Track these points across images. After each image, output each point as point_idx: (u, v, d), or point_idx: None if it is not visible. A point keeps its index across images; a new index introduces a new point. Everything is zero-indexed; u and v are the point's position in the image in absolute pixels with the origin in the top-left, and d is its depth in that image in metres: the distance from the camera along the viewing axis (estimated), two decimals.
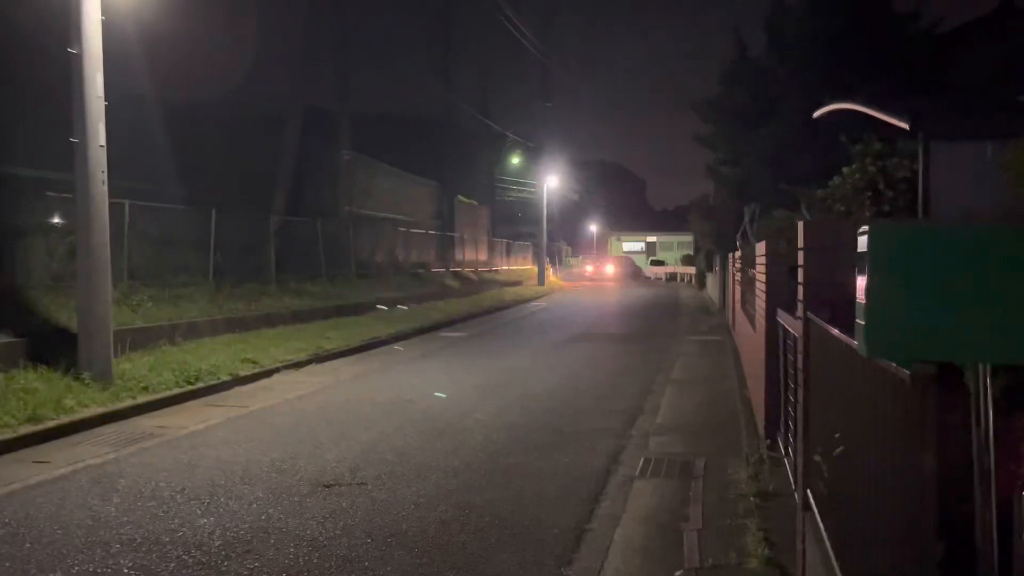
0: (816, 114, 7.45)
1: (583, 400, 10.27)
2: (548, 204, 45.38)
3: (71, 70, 9.44)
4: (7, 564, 4.84)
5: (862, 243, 2.07)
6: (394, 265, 27.08)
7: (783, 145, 16.44)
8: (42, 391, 8.72)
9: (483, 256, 41.89)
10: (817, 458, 3.40)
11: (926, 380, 1.96)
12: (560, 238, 61.35)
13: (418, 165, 35.73)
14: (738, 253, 14.38)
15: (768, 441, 7.08)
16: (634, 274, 54.18)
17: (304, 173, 24.36)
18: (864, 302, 2.08)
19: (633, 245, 64.39)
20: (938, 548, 2.02)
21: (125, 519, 5.64)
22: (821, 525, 3.50)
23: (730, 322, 17.21)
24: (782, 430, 6.48)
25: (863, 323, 2.07)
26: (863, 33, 15.50)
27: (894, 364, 2.11)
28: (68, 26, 9.41)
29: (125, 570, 4.74)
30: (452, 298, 26.54)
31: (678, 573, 4.73)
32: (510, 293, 32.92)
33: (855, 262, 2.19)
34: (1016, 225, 2.02)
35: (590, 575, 4.75)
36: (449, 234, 36.67)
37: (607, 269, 53.82)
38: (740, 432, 8.21)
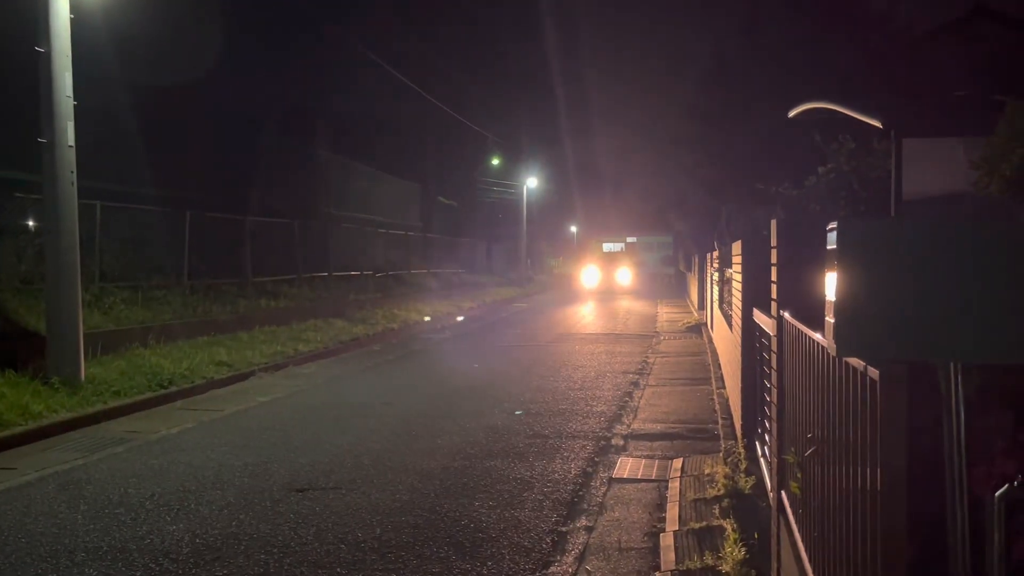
0: (791, 113, 7.44)
1: (562, 403, 10.21)
2: (528, 205, 45.34)
3: (39, 69, 9.27)
4: None
5: (831, 239, 2.03)
6: (373, 267, 26.92)
7: (759, 146, 16.50)
8: (9, 396, 8.55)
9: (463, 257, 41.74)
10: (789, 459, 3.37)
11: (896, 379, 1.92)
12: (541, 239, 61.33)
13: (398, 166, 35.57)
14: (715, 253, 14.41)
15: (745, 441, 7.06)
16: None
17: (281, 174, 24.15)
18: (833, 299, 2.04)
19: (613, 246, 64.45)
20: (909, 549, 1.98)
21: (92, 526, 5.52)
22: (795, 527, 3.46)
23: (708, 322, 17.25)
24: (759, 430, 6.47)
25: (832, 321, 2.03)
26: (838, 34, 15.60)
27: (864, 363, 2.07)
28: (36, 23, 9.24)
29: None
30: (432, 300, 26.42)
31: (655, 575, 4.70)
32: (491, 294, 32.84)
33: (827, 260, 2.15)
34: (986, 221, 1.98)
35: None
36: (430, 235, 36.52)
37: (619, 277, 40.72)
38: (718, 433, 8.20)
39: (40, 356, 9.58)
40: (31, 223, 12.36)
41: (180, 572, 4.72)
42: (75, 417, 8.70)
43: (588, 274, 39.84)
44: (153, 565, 4.83)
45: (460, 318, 23.88)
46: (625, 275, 39.28)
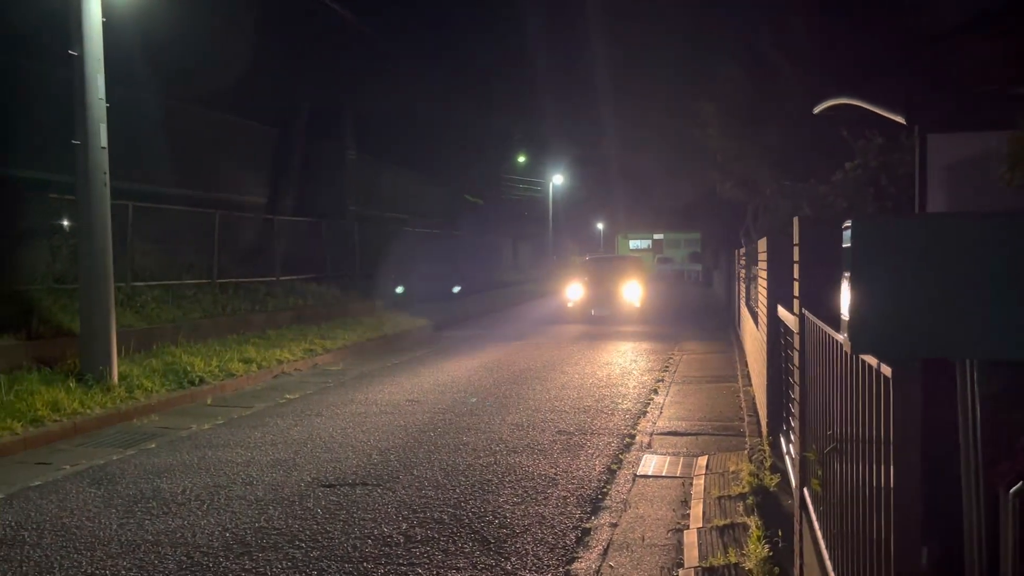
0: (816, 109, 7.38)
1: (586, 400, 10.23)
2: (554, 202, 45.32)
3: (72, 72, 9.45)
4: (8, 566, 4.85)
5: (846, 238, 2.05)
6: (400, 264, 27.09)
7: (787, 142, 16.36)
8: (44, 393, 8.74)
9: (489, 255, 41.83)
10: (810, 456, 3.37)
11: (909, 376, 1.93)
12: (566, 236, 61.23)
13: (424, 165, 35.74)
14: (742, 250, 14.33)
15: (770, 439, 7.04)
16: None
17: (309, 173, 24.38)
18: (849, 296, 2.06)
19: (640, 243, 64.28)
20: (925, 547, 1.99)
21: (125, 520, 5.65)
22: (816, 524, 3.47)
23: (736, 320, 17.14)
24: (784, 427, 6.45)
25: (847, 318, 2.05)
26: (867, 27, 15.40)
27: (878, 360, 2.09)
28: (68, 27, 9.42)
29: (123, 571, 4.74)
30: (459, 298, 26.54)
31: (678, 572, 4.71)
32: (515, 291, 32.89)
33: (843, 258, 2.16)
34: (1006, 216, 1.98)
35: (590, 574, 4.73)
36: (455, 233, 36.66)
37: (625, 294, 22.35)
38: (743, 430, 8.18)
39: (74, 354, 9.79)
40: (65, 223, 12.61)
41: (211, 565, 4.82)
42: (108, 414, 8.89)
43: (573, 292, 22.39)
44: (184, 558, 4.93)
45: (488, 315, 23.95)
46: (632, 292, 21.75)
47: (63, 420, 8.37)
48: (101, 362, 9.64)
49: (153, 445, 7.95)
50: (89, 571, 4.75)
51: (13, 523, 5.62)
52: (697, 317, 22.33)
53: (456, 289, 26.17)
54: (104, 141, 9.59)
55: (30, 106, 14.15)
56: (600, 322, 20.91)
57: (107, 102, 9.63)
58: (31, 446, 7.77)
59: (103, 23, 9.60)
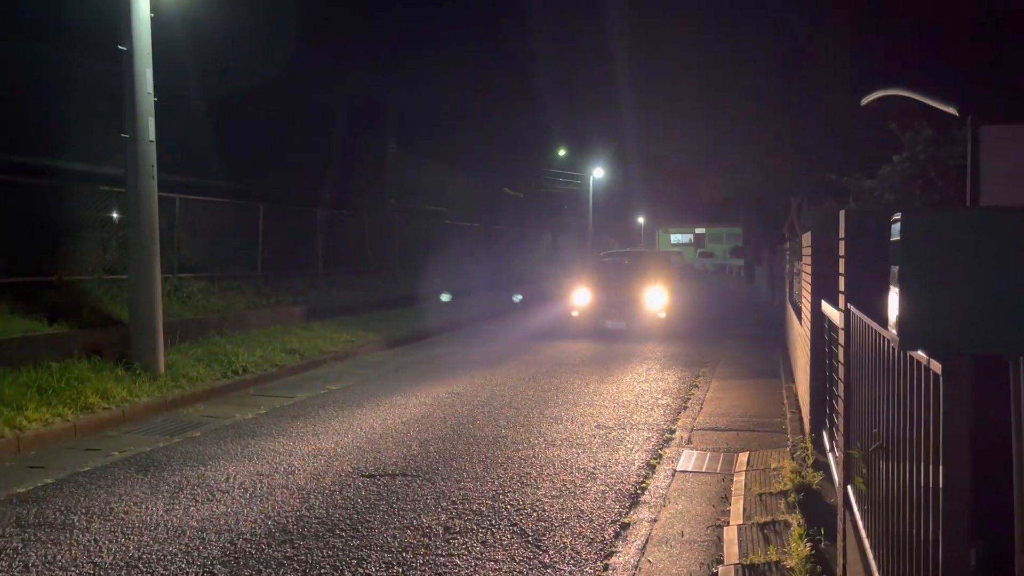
0: (864, 101, 7.26)
1: (625, 395, 10.19)
2: (593, 195, 45.10)
3: (121, 67, 9.63)
4: (58, 548, 4.98)
5: (895, 230, 2.00)
6: (440, 257, 27.22)
7: (831, 135, 16.09)
8: (94, 381, 8.96)
9: (529, 248, 41.80)
10: (855, 454, 3.32)
11: (960, 373, 1.88)
12: (606, 229, 60.92)
13: (464, 158, 35.81)
14: (786, 244, 14.13)
15: (813, 436, 6.94)
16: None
17: (351, 166, 24.60)
18: (898, 291, 2.01)
19: (681, 237, 63.82)
20: (974, 549, 1.95)
21: (171, 506, 5.77)
22: (860, 523, 3.41)
23: (782, 317, 16.87)
24: (827, 425, 6.35)
25: (896, 313, 2.00)
26: (914, 17, 15.08)
27: (928, 356, 2.04)
28: (118, 23, 9.60)
29: (169, 556, 4.84)
30: (499, 290, 26.56)
31: (717, 568, 4.67)
32: (553, 285, 32.80)
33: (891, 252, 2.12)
34: None
35: (629, 568, 4.72)
36: (496, 227, 36.71)
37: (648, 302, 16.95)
38: (785, 427, 8.08)
39: (123, 343, 10.00)
40: (114, 215, 12.88)
41: (253, 552, 4.90)
42: (155, 402, 9.08)
43: (579, 298, 17.39)
44: (228, 545, 5.02)
45: (524, 309, 23.95)
46: (656, 298, 16.85)
47: (112, 408, 8.57)
48: (148, 351, 9.84)
49: (198, 433, 8.10)
50: (136, 555, 4.86)
51: (63, 507, 5.78)
52: (737, 327, 18.33)
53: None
54: (152, 134, 9.77)
55: (81, 100, 14.48)
56: (611, 338, 16.17)
57: (155, 96, 9.81)
58: (81, 433, 7.97)
59: (151, 19, 9.77)
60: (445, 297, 21.74)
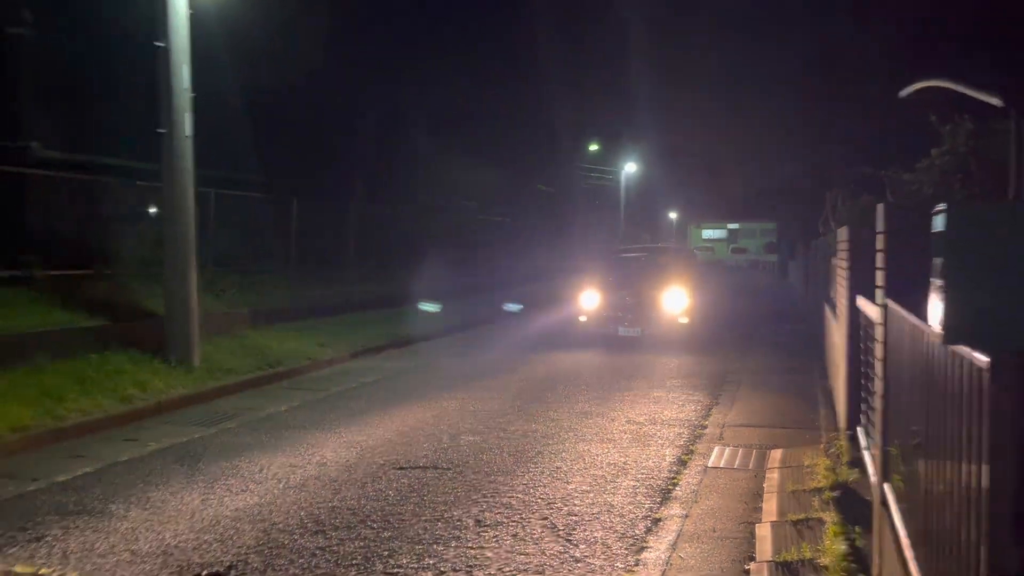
0: (902, 93, 7.13)
1: (656, 389, 10.13)
2: (625, 190, 44.89)
3: (158, 63, 9.75)
4: (97, 536, 5.07)
5: (938, 223, 1.96)
6: (473, 251, 27.28)
7: (867, 127, 15.83)
8: (131, 373, 9.11)
9: (561, 244, 41.70)
10: (893, 451, 3.26)
11: (1007, 369, 1.84)
12: (638, 225, 60.55)
13: (496, 152, 35.81)
14: (822, 239, 13.94)
15: (848, 433, 6.84)
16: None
17: (383, 162, 24.72)
18: (941, 286, 1.97)
19: (713, 233, 63.18)
20: (1015, 552, 1.90)
21: (207, 496, 5.85)
22: (897, 522, 3.35)
23: (818, 315, 16.56)
24: (863, 421, 6.25)
25: (939, 308, 1.96)
26: (954, 8, 14.79)
27: (972, 352, 1.99)
28: (155, 20, 9.72)
29: (205, 545, 4.90)
30: (530, 286, 26.53)
31: (749, 565, 4.62)
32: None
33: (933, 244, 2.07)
34: None
35: (659, 563, 4.68)
36: (527, 222, 36.69)
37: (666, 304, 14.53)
38: (819, 423, 7.97)
39: (159, 336, 10.14)
40: (151, 210, 13.07)
41: (286, 542, 4.95)
42: (190, 394, 9.20)
43: (587, 301, 14.97)
44: (262, 534, 5.08)
45: (548, 305, 23.89)
46: (675, 301, 14.51)
47: (149, 399, 8.70)
48: (184, 344, 9.97)
49: (233, 425, 8.20)
50: (172, 543, 4.93)
51: (102, 496, 5.88)
52: (767, 326, 17.11)
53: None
54: (189, 130, 9.88)
55: (119, 96, 14.70)
56: (622, 348, 14.01)
57: (192, 92, 9.92)
58: (118, 423, 8.10)
59: (189, 15, 9.88)
60: (486, 299, 21.72)
